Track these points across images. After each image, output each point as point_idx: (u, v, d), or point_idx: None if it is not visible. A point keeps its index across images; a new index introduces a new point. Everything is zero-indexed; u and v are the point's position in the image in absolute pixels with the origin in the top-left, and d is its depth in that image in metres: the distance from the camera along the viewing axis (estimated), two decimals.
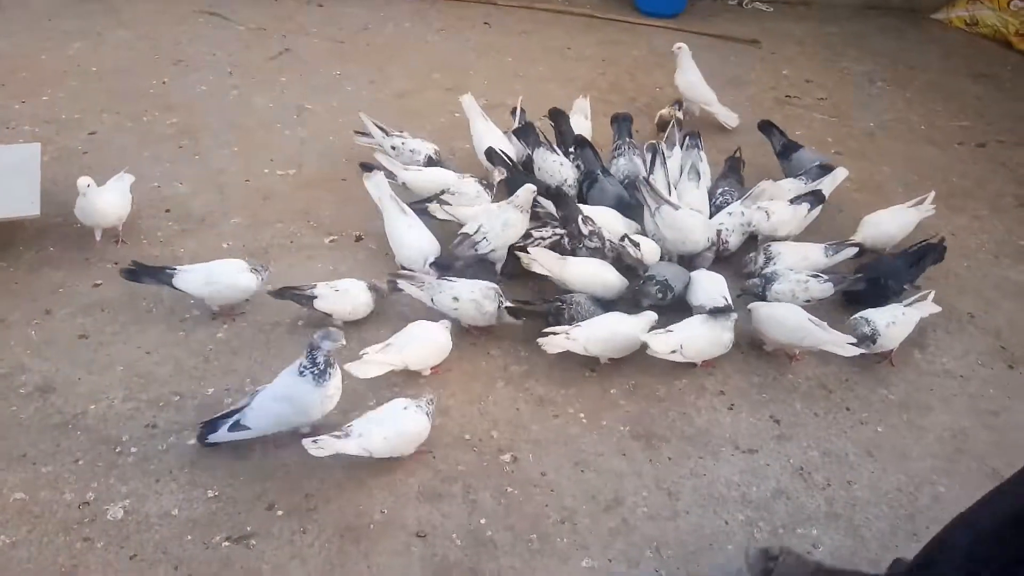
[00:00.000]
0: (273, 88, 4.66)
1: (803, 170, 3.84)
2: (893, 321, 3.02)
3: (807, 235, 3.59)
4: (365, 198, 3.40)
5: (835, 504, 2.56)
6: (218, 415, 2.52)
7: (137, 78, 4.60)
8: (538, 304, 3.05)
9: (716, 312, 2.90)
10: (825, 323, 2.96)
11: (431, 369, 2.85)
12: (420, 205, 3.40)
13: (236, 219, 3.57)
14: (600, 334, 2.88)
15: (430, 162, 3.73)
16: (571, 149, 3.76)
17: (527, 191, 3.21)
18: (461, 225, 3.30)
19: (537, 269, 3.08)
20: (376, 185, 3.34)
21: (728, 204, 3.56)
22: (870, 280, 3.24)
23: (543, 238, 3.23)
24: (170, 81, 4.62)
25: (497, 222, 3.17)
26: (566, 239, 3.22)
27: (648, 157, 3.75)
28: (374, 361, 2.69)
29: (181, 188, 3.73)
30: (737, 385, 2.97)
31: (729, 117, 4.61)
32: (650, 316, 2.96)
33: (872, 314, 3.03)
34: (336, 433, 2.42)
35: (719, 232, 3.40)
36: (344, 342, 2.46)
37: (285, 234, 3.51)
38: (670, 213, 3.29)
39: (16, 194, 3.22)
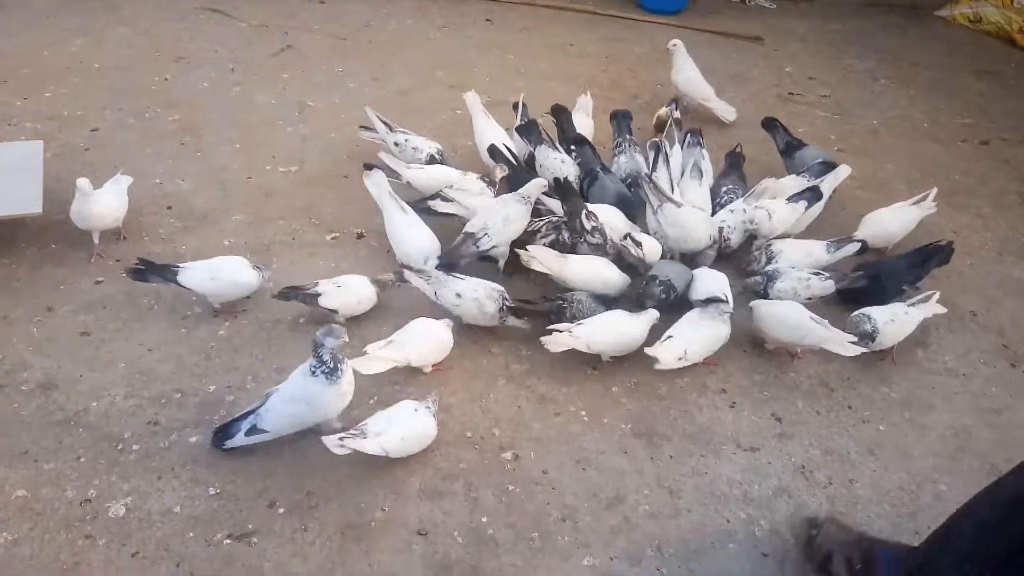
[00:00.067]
0: (275, 85, 4.65)
1: (806, 167, 3.83)
2: (892, 319, 3.01)
3: (809, 232, 3.59)
4: (367, 195, 3.40)
5: (837, 503, 2.56)
6: (230, 419, 2.52)
7: (139, 75, 4.60)
8: (539, 303, 3.05)
9: (709, 301, 2.90)
10: (826, 321, 2.96)
11: (432, 366, 2.85)
12: (422, 203, 3.40)
13: (238, 216, 3.57)
14: (603, 331, 2.88)
15: (432, 160, 3.73)
16: (571, 147, 3.75)
17: (537, 185, 3.21)
18: (462, 221, 3.30)
19: (537, 267, 3.07)
20: (376, 184, 3.34)
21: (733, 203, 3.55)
22: (870, 278, 3.23)
23: (538, 230, 3.23)
24: (172, 78, 4.62)
25: (498, 217, 3.16)
26: (565, 234, 3.21)
27: (651, 155, 3.74)
28: (377, 357, 2.69)
29: (183, 185, 3.73)
30: (739, 383, 2.96)
31: (727, 111, 4.61)
32: (652, 314, 2.96)
33: (873, 311, 3.03)
34: (353, 432, 2.42)
35: (720, 229, 3.39)
36: (347, 338, 2.45)
37: (287, 231, 3.51)
38: (672, 211, 3.29)
39: (19, 192, 3.22)
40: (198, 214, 3.56)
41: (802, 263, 3.31)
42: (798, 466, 2.67)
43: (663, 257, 3.31)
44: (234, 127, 4.21)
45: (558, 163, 3.62)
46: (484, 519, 2.41)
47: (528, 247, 3.13)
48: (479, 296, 2.93)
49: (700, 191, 3.62)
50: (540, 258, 3.07)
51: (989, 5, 6.24)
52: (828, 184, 3.69)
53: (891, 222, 3.59)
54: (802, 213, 3.49)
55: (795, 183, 3.72)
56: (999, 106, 5.19)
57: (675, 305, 3.08)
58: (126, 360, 2.82)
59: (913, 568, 2.09)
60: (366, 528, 2.35)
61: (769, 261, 3.33)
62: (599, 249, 3.19)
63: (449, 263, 3.14)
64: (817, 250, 3.39)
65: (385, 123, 3.83)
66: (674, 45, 4.48)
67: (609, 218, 3.35)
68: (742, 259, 3.43)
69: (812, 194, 3.53)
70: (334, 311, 2.96)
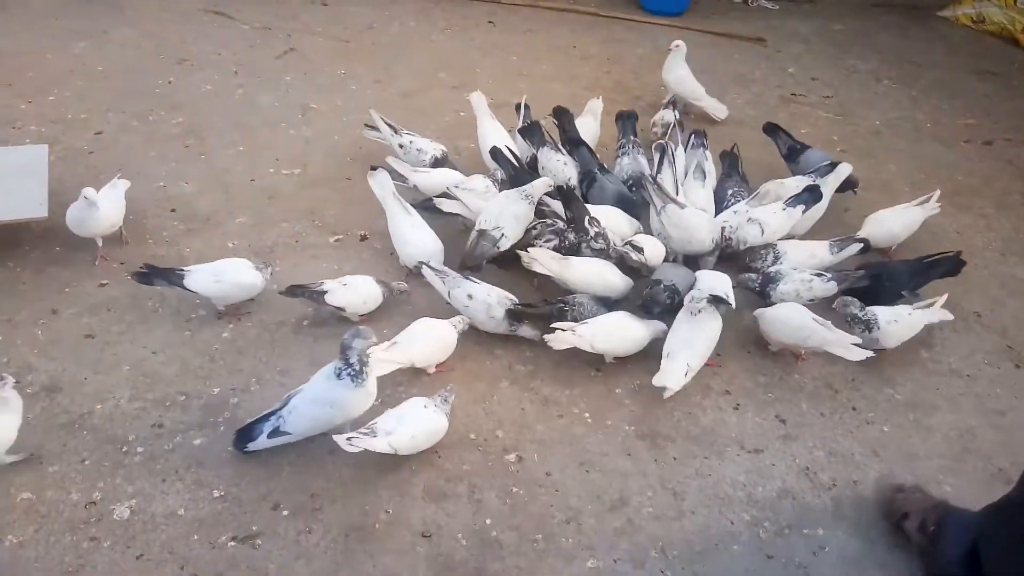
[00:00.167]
0: (278, 87, 4.66)
1: (813, 168, 3.80)
2: (895, 319, 3.01)
3: (812, 234, 3.58)
4: (370, 197, 3.41)
5: (841, 504, 2.56)
6: (249, 421, 2.52)
7: (143, 77, 4.61)
8: (540, 306, 3.05)
9: (712, 300, 2.90)
10: (829, 322, 2.96)
11: (436, 367, 2.85)
12: (427, 202, 3.41)
13: (241, 219, 3.57)
14: (607, 332, 2.88)
15: (436, 162, 3.74)
16: (567, 149, 3.75)
17: (542, 184, 3.22)
18: (466, 221, 3.30)
19: (538, 268, 3.07)
20: (380, 184, 3.34)
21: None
22: (872, 278, 3.22)
23: (539, 234, 3.23)
24: (175, 80, 4.63)
25: (509, 215, 3.17)
26: (570, 234, 3.21)
27: (656, 157, 3.73)
28: (382, 359, 2.69)
29: (187, 188, 3.74)
30: (743, 385, 2.96)
31: (718, 109, 4.61)
32: (659, 326, 2.95)
33: (875, 308, 3.02)
34: (363, 431, 2.42)
35: (723, 229, 3.39)
36: (375, 340, 2.46)
37: (290, 233, 3.51)
38: (676, 212, 3.28)
39: (24, 195, 3.23)
40: (202, 216, 3.56)
41: (805, 264, 3.30)
42: (802, 468, 2.67)
43: (666, 259, 3.31)
44: (237, 130, 4.22)
45: (560, 165, 3.62)
46: (488, 521, 2.42)
47: (529, 249, 3.13)
48: (491, 301, 2.93)
49: (703, 192, 3.62)
50: (542, 260, 3.07)
51: (992, 5, 6.24)
52: (829, 183, 3.68)
53: (894, 222, 3.58)
54: (799, 218, 3.46)
55: (801, 184, 3.70)
56: (1002, 107, 5.19)
57: (679, 307, 3.08)
58: (130, 363, 2.83)
59: (979, 535, 2.16)
60: (370, 530, 2.35)
61: (776, 260, 3.33)
62: (602, 254, 3.19)
63: (474, 266, 3.14)
64: (820, 251, 3.38)
65: (389, 125, 3.84)
66: (676, 46, 4.49)
67: (611, 219, 3.36)
68: (744, 258, 3.41)
69: (810, 195, 3.49)
70: (340, 308, 2.97)
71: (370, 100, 4.45)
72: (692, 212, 3.34)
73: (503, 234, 3.15)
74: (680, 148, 3.85)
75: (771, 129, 4.10)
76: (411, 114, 4.38)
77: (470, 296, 2.94)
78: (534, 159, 3.73)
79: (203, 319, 3.03)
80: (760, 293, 3.19)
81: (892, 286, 3.25)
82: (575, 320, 2.96)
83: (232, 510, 2.37)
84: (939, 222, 3.79)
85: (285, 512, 2.38)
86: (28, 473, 2.42)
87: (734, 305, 2.99)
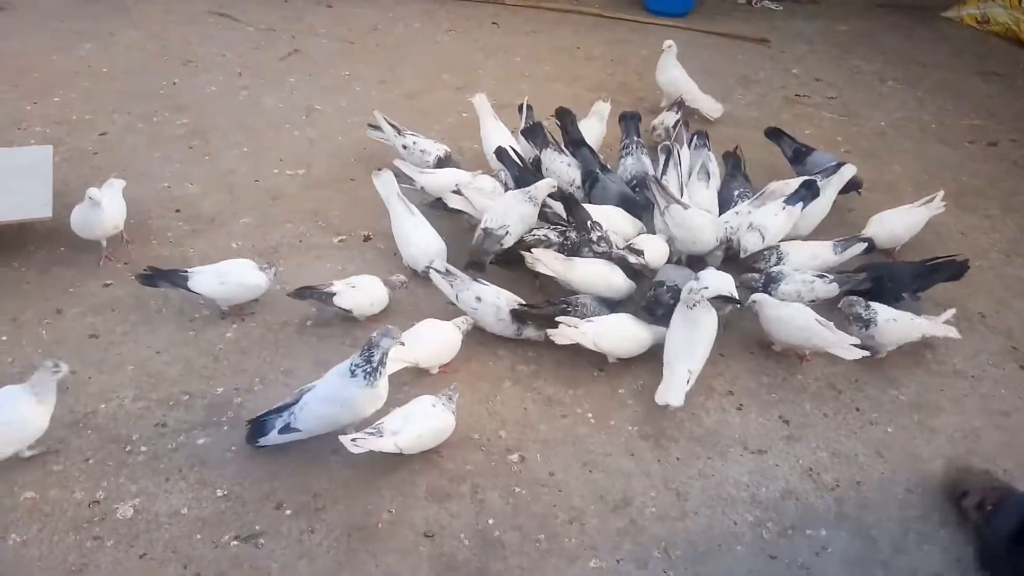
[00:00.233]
0: (282, 89, 4.67)
1: (821, 169, 3.78)
2: (895, 319, 3.00)
3: (816, 234, 3.57)
4: (373, 198, 3.41)
5: (845, 505, 2.55)
6: (263, 414, 2.52)
7: (147, 79, 4.63)
8: (543, 307, 3.05)
9: (719, 300, 2.90)
10: (832, 324, 2.95)
11: (439, 368, 2.85)
12: (438, 201, 3.43)
13: (245, 219, 3.58)
14: (611, 331, 2.89)
15: (440, 163, 3.74)
16: (570, 150, 3.75)
17: (547, 184, 3.22)
18: (471, 220, 3.30)
19: (542, 269, 3.07)
20: (384, 183, 3.35)
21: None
22: (874, 280, 3.21)
23: (540, 239, 3.23)
24: (180, 82, 4.64)
25: (515, 214, 3.18)
26: (572, 233, 3.21)
27: (662, 158, 3.73)
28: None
29: (191, 188, 3.75)
30: (746, 385, 2.96)
31: (712, 108, 4.61)
32: (661, 331, 2.94)
33: (876, 306, 3.01)
34: (369, 431, 2.42)
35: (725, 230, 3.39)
36: (403, 341, 2.47)
37: (294, 234, 3.52)
38: (679, 212, 3.28)
39: (28, 196, 3.24)
40: (206, 217, 3.57)
41: (807, 265, 3.29)
42: (805, 468, 2.66)
43: (670, 260, 3.31)
44: (242, 131, 4.23)
45: (564, 166, 3.63)
46: (491, 521, 2.42)
47: (533, 250, 3.13)
48: (500, 303, 2.93)
49: (707, 193, 3.62)
50: (545, 261, 3.07)
51: (997, 6, 6.23)
52: (833, 184, 3.66)
53: (897, 223, 3.57)
54: (799, 216, 3.44)
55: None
56: (1007, 107, 5.18)
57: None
58: (134, 362, 2.84)
59: None
60: (373, 530, 2.35)
61: (779, 260, 3.32)
62: (604, 256, 3.19)
63: (477, 263, 3.15)
64: (824, 252, 3.38)
65: (393, 126, 3.84)
66: (668, 46, 4.50)
67: (613, 219, 3.36)
68: (749, 258, 3.41)
69: (808, 191, 3.46)
70: (348, 311, 2.97)
71: (374, 101, 4.45)
72: (696, 212, 3.34)
73: (508, 231, 3.15)
74: (685, 148, 3.85)
75: (774, 133, 4.08)
76: (415, 115, 4.39)
77: (479, 299, 2.94)
78: (537, 160, 3.73)
79: (207, 319, 3.03)
80: (766, 292, 3.18)
81: (894, 288, 3.23)
82: None
83: (235, 509, 2.38)
84: (944, 223, 3.78)
85: (288, 511, 2.38)
86: (32, 472, 2.43)
87: (741, 304, 2.98)
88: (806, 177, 3.70)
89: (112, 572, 2.20)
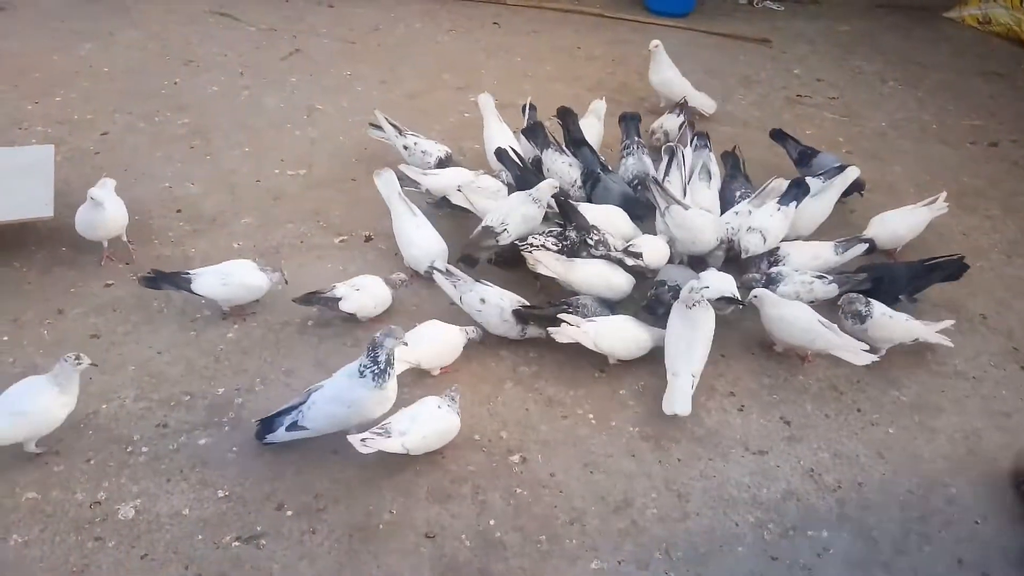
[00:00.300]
0: (284, 88, 4.67)
1: (824, 170, 3.78)
2: (890, 315, 3.00)
3: (817, 235, 3.57)
4: (374, 198, 3.41)
5: (846, 506, 2.55)
6: (273, 413, 2.52)
7: (148, 78, 4.63)
8: (544, 308, 3.05)
9: (722, 301, 2.91)
10: (836, 326, 2.95)
11: (441, 369, 2.85)
12: (443, 201, 3.44)
13: (247, 219, 3.58)
14: (612, 332, 2.89)
15: (440, 163, 3.74)
16: (571, 150, 3.75)
17: (549, 186, 3.23)
18: (474, 219, 3.30)
19: (543, 270, 3.07)
20: (386, 183, 3.35)
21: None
22: (873, 281, 3.21)
23: (542, 244, 3.23)
24: (181, 81, 4.64)
25: (517, 215, 3.18)
26: (572, 233, 3.20)
27: (665, 159, 3.73)
28: None
29: (192, 188, 3.75)
30: (747, 386, 2.95)
31: (706, 104, 4.61)
32: (661, 334, 2.93)
33: (873, 301, 3.02)
34: (377, 430, 2.42)
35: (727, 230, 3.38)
36: (407, 341, 2.46)
37: (295, 234, 3.52)
38: (679, 213, 3.28)
39: (29, 196, 3.24)
40: (207, 217, 3.57)
41: (808, 266, 3.29)
42: (807, 469, 2.66)
43: (670, 260, 3.31)
44: (243, 131, 4.22)
45: (565, 167, 3.63)
46: (492, 522, 2.41)
47: (534, 251, 3.13)
48: (504, 304, 2.93)
49: (709, 193, 3.62)
50: (546, 262, 3.07)
51: (998, 6, 6.22)
52: (836, 186, 3.66)
53: (899, 224, 3.57)
54: (794, 214, 3.43)
55: (811, 184, 3.68)
56: (1008, 108, 5.17)
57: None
58: (136, 363, 2.84)
59: None
60: (374, 530, 2.35)
61: (779, 261, 3.32)
62: (604, 258, 3.18)
63: (470, 256, 3.15)
64: (825, 252, 3.38)
65: (394, 126, 3.84)
66: (655, 46, 4.51)
67: (612, 220, 3.35)
68: (749, 259, 3.40)
69: (798, 190, 3.45)
70: (352, 315, 2.97)
71: (375, 101, 4.45)
72: (696, 213, 3.34)
73: (505, 229, 3.16)
74: (689, 148, 3.84)
75: (778, 135, 4.09)
76: (416, 115, 4.38)
77: (483, 300, 2.94)
78: (538, 160, 3.73)
79: (208, 319, 3.03)
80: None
81: (891, 288, 3.24)
82: None
83: (236, 510, 2.38)
84: (945, 223, 3.78)
85: (289, 512, 2.38)
86: (33, 472, 2.43)
87: (743, 304, 2.98)
88: (810, 178, 3.71)
89: (114, 573, 2.20)
